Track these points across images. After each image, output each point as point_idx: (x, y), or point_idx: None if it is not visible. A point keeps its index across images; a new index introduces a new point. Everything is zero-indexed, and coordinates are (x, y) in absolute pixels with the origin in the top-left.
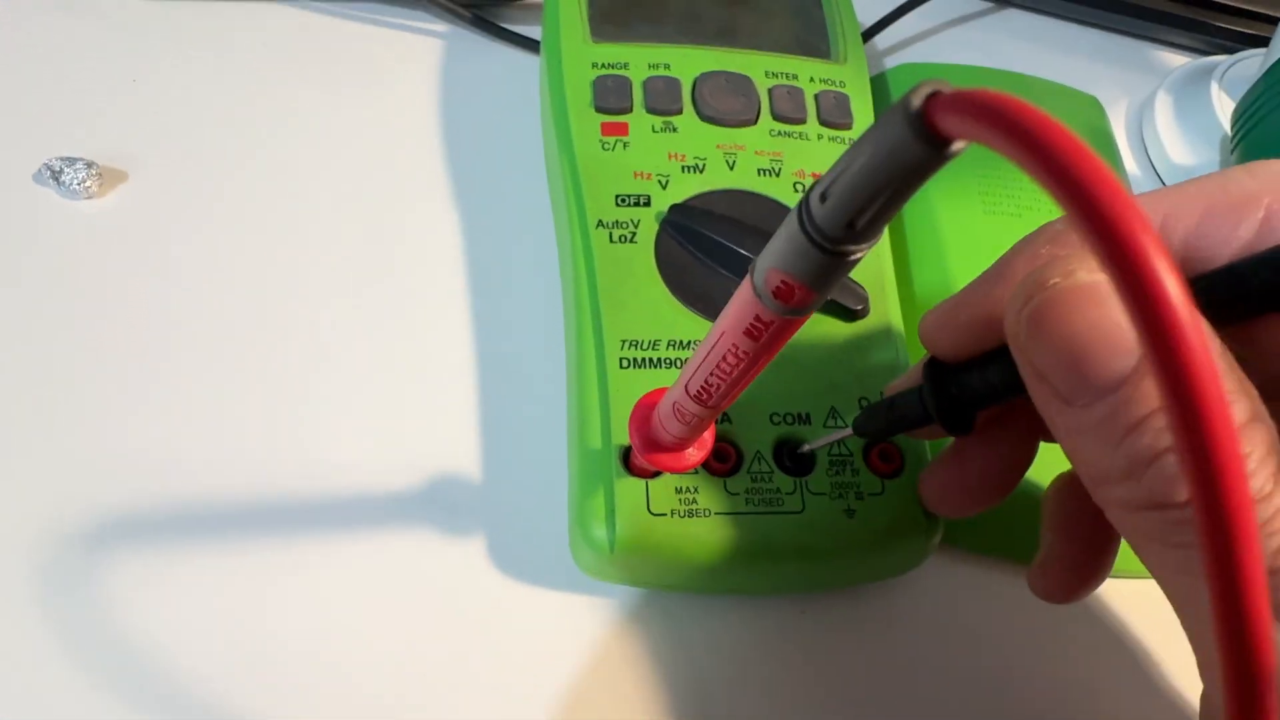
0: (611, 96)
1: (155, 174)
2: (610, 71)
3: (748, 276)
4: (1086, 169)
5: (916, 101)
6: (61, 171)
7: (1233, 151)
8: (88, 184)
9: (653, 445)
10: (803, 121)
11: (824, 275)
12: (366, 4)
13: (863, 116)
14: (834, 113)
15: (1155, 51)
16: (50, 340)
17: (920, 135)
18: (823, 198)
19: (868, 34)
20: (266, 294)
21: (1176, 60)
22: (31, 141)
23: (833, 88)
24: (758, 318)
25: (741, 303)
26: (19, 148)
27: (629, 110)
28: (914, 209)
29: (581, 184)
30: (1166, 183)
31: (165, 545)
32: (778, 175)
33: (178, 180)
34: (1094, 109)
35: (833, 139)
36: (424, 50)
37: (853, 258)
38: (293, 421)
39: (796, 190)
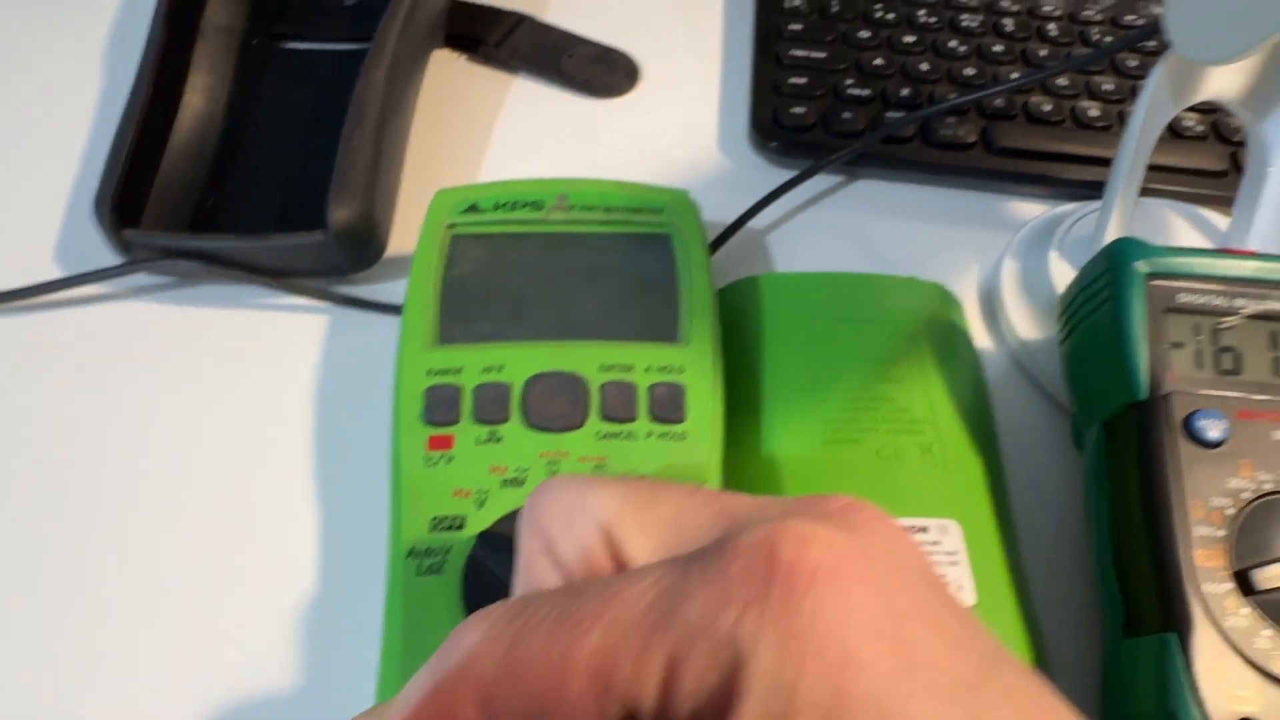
0: (441, 409)
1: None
2: (443, 380)
3: None
4: None
5: None
6: None
7: (1061, 344)
8: None
9: None
10: (632, 420)
11: None
12: (240, 287)
13: (698, 404)
14: (666, 407)
15: (1005, 202)
16: None
17: None
18: None
19: (738, 223)
20: (130, 589)
21: (1028, 210)
22: None
23: (669, 377)
24: None
25: None
26: None
27: (456, 421)
28: (746, 440)
29: (402, 506)
30: (1021, 359)
31: None
32: None
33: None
34: (941, 298)
35: (662, 435)
36: (299, 328)
37: None
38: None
39: None
